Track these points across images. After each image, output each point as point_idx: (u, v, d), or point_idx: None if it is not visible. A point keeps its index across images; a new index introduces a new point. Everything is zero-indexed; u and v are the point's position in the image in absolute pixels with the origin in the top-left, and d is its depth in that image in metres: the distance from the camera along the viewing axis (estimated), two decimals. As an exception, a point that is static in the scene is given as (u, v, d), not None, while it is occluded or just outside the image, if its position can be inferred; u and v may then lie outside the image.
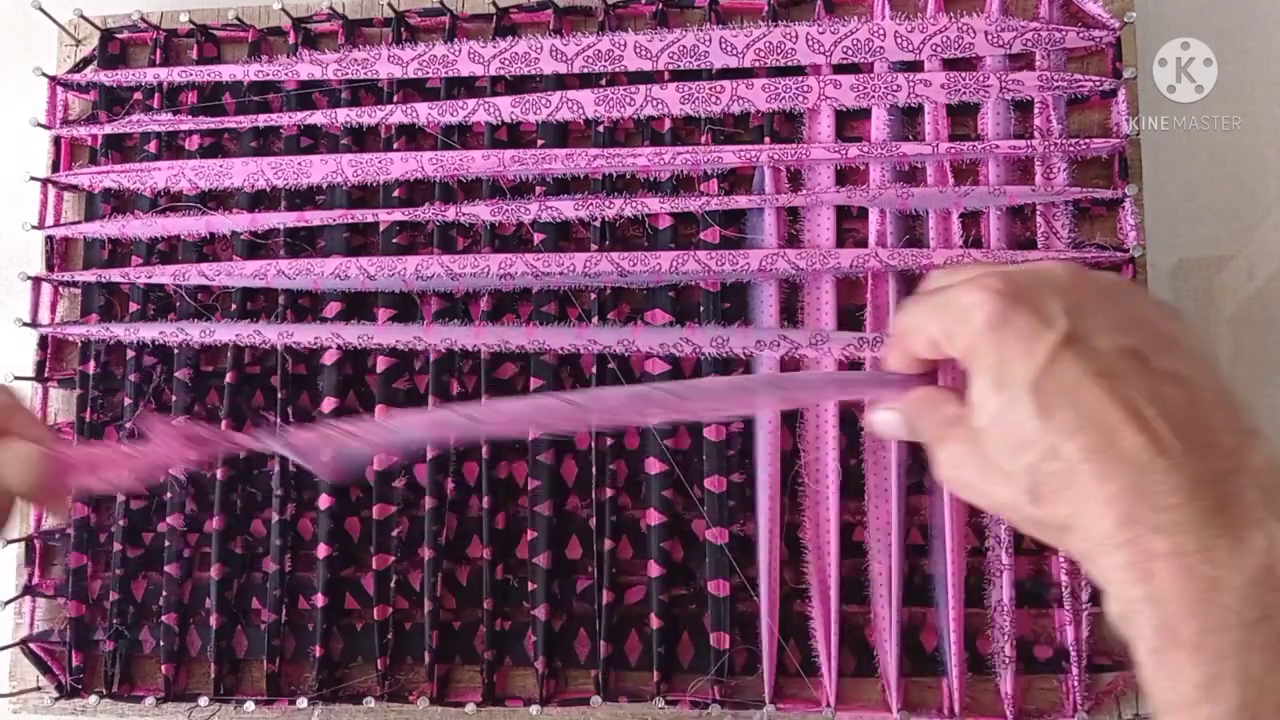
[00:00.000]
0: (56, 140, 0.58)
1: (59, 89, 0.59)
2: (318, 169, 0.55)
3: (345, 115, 0.55)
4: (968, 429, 0.33)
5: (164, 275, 0.55)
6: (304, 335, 0.53)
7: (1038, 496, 0.30)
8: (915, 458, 0.50)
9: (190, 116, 0.56)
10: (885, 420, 0.37)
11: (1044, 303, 0.31)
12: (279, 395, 0.53)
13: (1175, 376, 0.30)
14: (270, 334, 0.53)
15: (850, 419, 0.50)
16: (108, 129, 0.57)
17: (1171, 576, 0.27)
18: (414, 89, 0.56)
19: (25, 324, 0.56)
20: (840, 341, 0.50)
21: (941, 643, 0.49)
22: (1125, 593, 0.28)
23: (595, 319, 0.52)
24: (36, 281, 0.57)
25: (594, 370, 0.51)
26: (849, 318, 0.51)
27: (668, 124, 0.53)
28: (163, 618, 0.53)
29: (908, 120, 0.52)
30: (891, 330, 0.34)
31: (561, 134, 0.54)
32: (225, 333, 0.54)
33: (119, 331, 0.55)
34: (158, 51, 0.58)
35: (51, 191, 0.58)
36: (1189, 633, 0.27)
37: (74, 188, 0.58)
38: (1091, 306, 0.31)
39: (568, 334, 0.51)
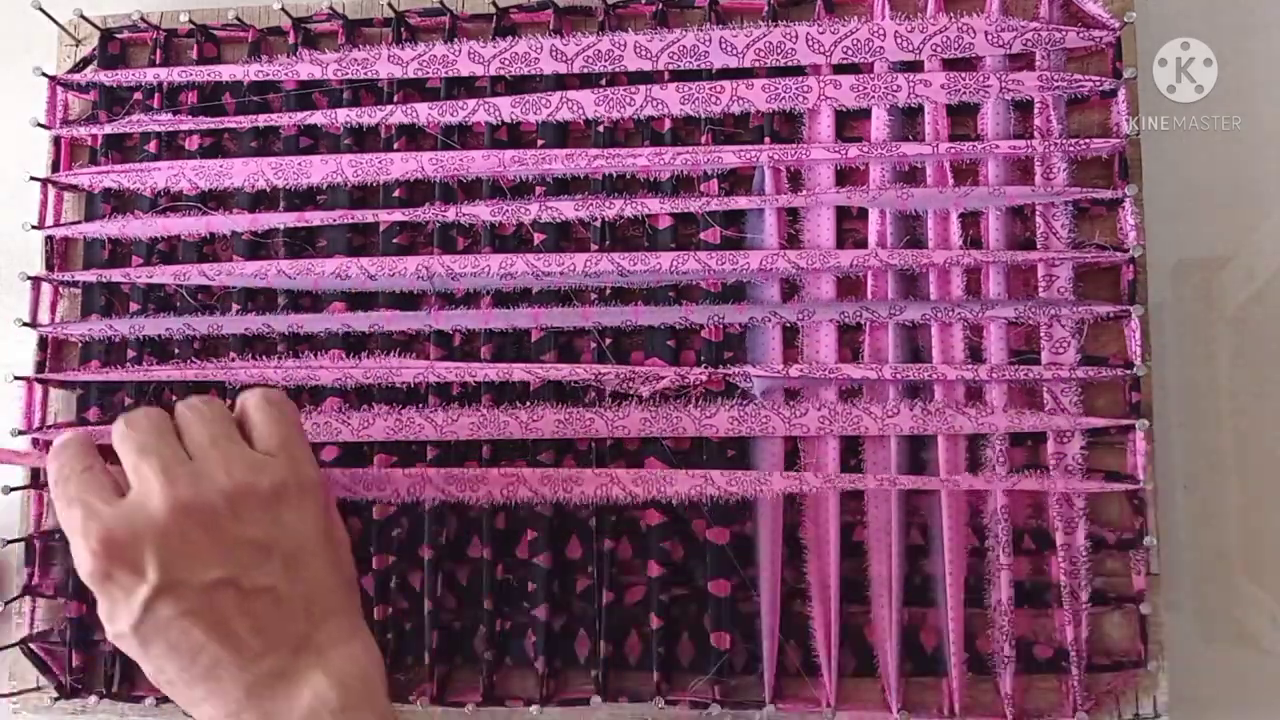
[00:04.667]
0: (56, 140, 0.58)
1: (59, 89, 0.59)
2: (318, 169, 0.55)
3: (345, 115, 0.55)
4: None
5: (164, 275, 0.55)
6: (313, 326, 0.53)
7: (175, 695, 0.39)
8: (915, 459, 0.50)
9: (190, 116, 0.56)
10: None
11: (139, 557, 0.37)
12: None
13: (263, 589, 0.38)
14: (279, 325, 0.54)
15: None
16: (108, 129, 0.57)
17: None
18: (414, 89, 0.56)
19: (25, 324, 0.56)
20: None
21: (941, 643, 0.49)
22: None
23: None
24: (36, 281, 0.57)
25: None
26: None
27: (668, 124, 0.53)
28: (163, 618, 0.53)
29: (908, 120, 0.52)
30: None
31: (561, 134, 0.54)
32: (232, 325, 0.54)
33: (122, 328, 0.55)
34: (158, 51, 0.58)
35: (51, 191, 0.58)
36: None
37: (74, 188, 0.58)
38: (187, 548, 0.38)
39: (572, 315, 0.52)
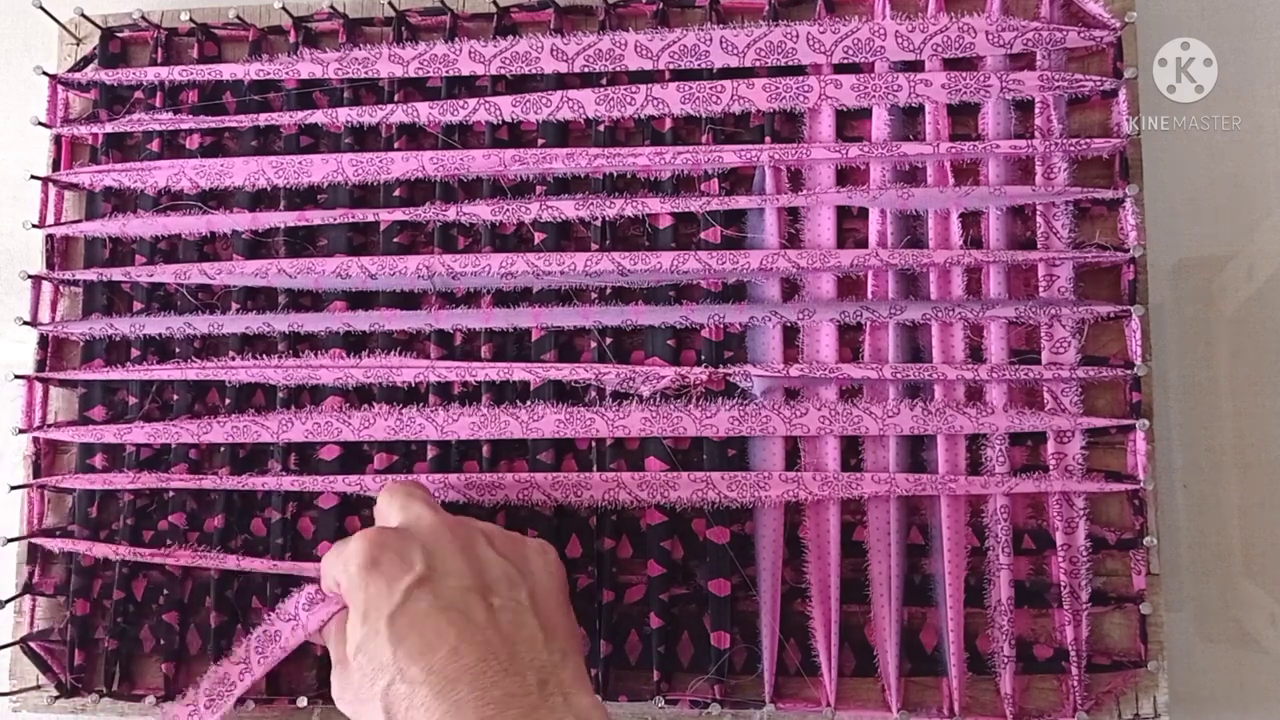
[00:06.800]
0: (57, 139, 0.58)
1: (59, 88, 0.58)
2: (318, 168, 0.55)
3: (346, 114, 0.55)
4: (345, 657, 0.39)
5: (165, 274, 0.55)
6: (314, 325, 0.53)
7: (392, 717, 0.37)
8: (915, 459, 0.50)
9: (191, 115, 0.56)
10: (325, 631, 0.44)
11: (408, 550, 0.40)
12: (279, 395, 0.54)
13: (509, 608, 0.39)
14: (280, 324, 0.54)
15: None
16: (108, 128, 0.57)
17: None
18: (415, 88, 0.56)
19: (25, 323, 0.56)
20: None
21: (941, 643, 0.49)
22: None
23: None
24: (37, 280, 0.57)
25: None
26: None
27: (668, 124, 0.53)
28: (163, 616, 0.53)
29: (908, 120, 0.52)
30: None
31: (562, 133, 0.54)
32: (233, 325, 0.54)
33: (122, 327, 0.55)
34: (158, 50, 0.58)
35: (52, 190, 0.58)
36: None
37: (75, 186, 0.58)
38: (447, 554, 0.40)
39: (573, 314, 0.52)
